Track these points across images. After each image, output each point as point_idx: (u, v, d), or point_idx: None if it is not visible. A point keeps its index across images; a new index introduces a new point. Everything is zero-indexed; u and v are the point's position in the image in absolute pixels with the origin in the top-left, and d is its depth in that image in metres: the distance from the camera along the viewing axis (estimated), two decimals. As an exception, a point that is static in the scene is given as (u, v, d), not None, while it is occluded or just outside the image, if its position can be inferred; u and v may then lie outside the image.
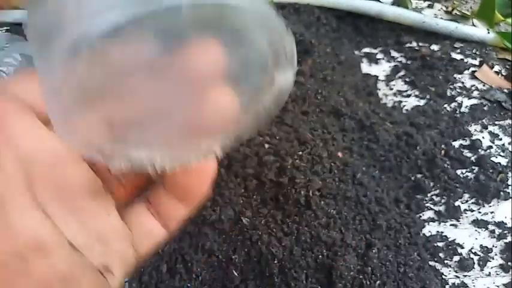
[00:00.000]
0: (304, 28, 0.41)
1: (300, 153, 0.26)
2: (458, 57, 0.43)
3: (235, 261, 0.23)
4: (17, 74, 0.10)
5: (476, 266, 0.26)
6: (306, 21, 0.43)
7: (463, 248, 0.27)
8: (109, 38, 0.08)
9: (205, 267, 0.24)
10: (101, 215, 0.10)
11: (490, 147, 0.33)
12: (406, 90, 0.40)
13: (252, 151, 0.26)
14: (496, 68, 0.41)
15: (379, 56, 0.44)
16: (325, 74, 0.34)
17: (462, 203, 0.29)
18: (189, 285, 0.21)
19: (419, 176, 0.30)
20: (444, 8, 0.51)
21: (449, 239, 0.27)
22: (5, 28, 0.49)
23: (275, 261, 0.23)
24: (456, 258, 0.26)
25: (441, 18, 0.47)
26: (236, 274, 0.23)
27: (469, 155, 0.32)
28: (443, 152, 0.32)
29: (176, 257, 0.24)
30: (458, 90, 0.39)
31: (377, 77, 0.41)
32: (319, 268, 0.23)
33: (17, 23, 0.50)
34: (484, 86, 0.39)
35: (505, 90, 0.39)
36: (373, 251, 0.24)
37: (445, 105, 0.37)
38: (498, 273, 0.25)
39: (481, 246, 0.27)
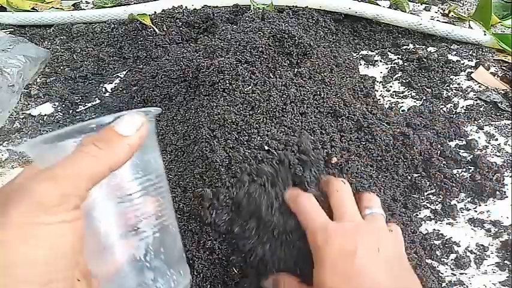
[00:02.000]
0: (303, 31, 0.42)
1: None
2: (455, 58, 0.43)
3: (234, 261, 0.24)
4: None
5: (472, 264, 0.26)
6: (305, 24, 0.44)
7: (459, 246, 0.27)
8: None
9: (206, 264, 0.24)
10: None
11: (486, 147, 0.34)
12: (403, 92, 0.40)
13: (251, 153, 0.26)
14: (492, 69, 0.42)
15: (377, 58, 0.44)
16: (323, 76, 0.35)
17: (458, 202, 0.30)
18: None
19: (415, 175, 0.31)
20: (441, 11, 0.52)
21: (446, 237, 0.28)
22: (9, 30, 0.50)
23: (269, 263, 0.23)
24: (453, 256, 0.27)
25: (438, 20, 0.48)
26: (236, 271, 0.24)
27: (465, 155, 0.33)
28: (439, 152, 0.32)
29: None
30: (455, 91, 0.40)
31: (374, 78, 0.41)
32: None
33: (21, 25, 0.51)
34: (480, 87, 0.40)
35: (501, 91, 0.39)
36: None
37: (442, 106, 0.38)
38: (494, 271, 0.26)
39: (477, 244, 0.27)
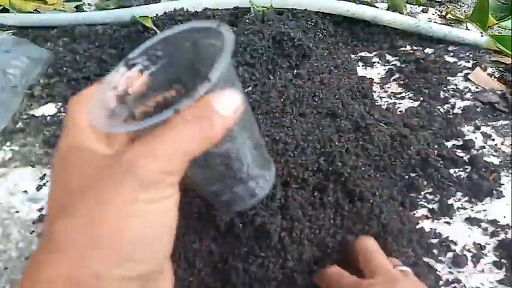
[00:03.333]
0: (302, 33, 0.42)
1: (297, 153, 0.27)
2: (452, 60, 0.44)
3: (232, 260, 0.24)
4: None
5: (469, 262, 0.26)
6: (304, 26, 0.44)
7: (456, 244, 0.27)
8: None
9: (207, 262, 0.25)
10: None
11: (483, 147, 0.34)
12: (401, 93, 0.41)
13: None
14: (489, 70, 0.42)
15: (374, 59, 0.45)
16: (322, 77, 0.35)
17: (455, 201, 0.30)
18: None
19: (413, 175, 0.31)
20: (438, 13, 0.52)
21: (443, 236, 0.28)
22: (12, 31, 0.50)
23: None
24: (450, 254, 0.27)
25: (435, 22, 0.48)
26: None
27: (462, 154, 0.33)
28: (436, 151, 0.32)
29: (179, 253, 0.25)
30: (452, 92, 0.40)
31: (372, 79, 0.42)
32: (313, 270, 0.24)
33: (24, 26, 0.51)
34: (477, 87, 0.40)
35: (498, 92, 0.40)
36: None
37: (439, 107, 0.38)
38: (491, 269, 0.26)
39: (474, 243, 0.27)
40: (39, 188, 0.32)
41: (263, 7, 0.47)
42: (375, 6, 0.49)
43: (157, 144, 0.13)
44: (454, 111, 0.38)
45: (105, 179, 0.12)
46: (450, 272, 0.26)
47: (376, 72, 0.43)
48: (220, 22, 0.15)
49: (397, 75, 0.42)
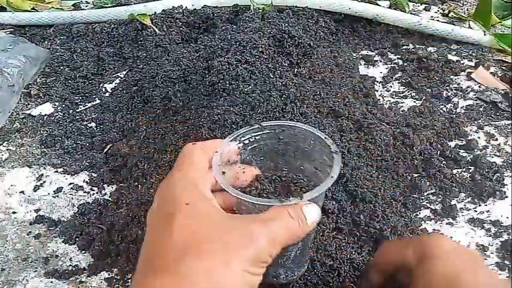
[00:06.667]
0: (303, 31, 0.42)
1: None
2: (455, 58, 0.43)
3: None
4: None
5: (472, 263, 0.26)
6: (305, 24, 0.44)
7: (459, 246, 0.27)
8: None
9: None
10: None
11: (486, 147, 0.34)
12: (403, 92, 0.40)
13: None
14: (492, 69, 0.42)
15: (376, 58, 0.44)
16: (323, 76, 0.35)
17: (458, 202, 0.30)
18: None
19: (415, 175, 0.31)
20: (441, 11, 0.52)
21: (446, 237, 0.28)
22: (9, 30, 0.50)
23: None
24: (452, 256, 0.27)
25: (438, 20, 0.48)
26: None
27: (464, 155, 0.33)
28: (439, 152, 0.32)
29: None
30: (454, 91, 0.40)
31: (374, 78, 0.41)
32: (317, 273, 0.24)
33: (21, 25, 0.51)
34: (479, 87, 0.40)
35: (501, 91, 0.39)
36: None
37: (441, 106, 0.38)
38: (494, 271, 0.26)
39: (477, 244, 0.27)
40: (36, 188, 0.32)
41: (263, 5, 0.46)
42: (377, 4, 0.48)
43: (275, 229, 0.16)
44: (457, 111, 0.38)
45: (228, 238, 0.15)
46: (453, 274, 0.26)
47: (378, 71, 0.43)
48: (334, 144, 0.19)
49: (399, 74, 0.42)
